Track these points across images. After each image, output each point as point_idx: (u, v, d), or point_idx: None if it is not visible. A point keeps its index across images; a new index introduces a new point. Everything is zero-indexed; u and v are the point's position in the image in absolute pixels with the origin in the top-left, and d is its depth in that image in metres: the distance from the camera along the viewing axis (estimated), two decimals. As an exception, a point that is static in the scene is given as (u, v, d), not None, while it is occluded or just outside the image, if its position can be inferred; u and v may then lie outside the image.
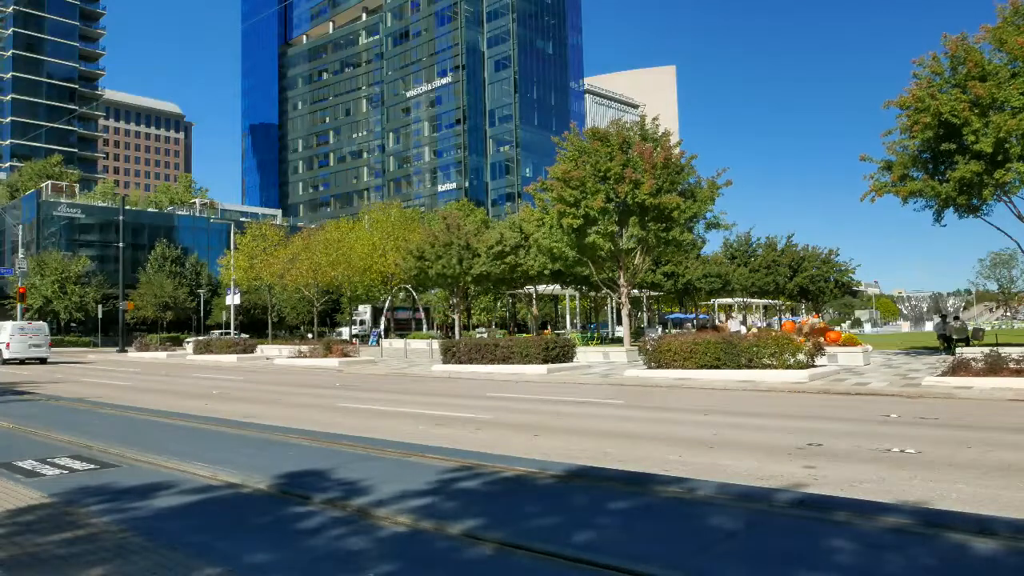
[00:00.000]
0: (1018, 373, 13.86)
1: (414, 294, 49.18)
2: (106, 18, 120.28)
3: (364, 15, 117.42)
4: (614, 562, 3.90)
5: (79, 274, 60.01)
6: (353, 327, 61.74)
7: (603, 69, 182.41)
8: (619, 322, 34.56)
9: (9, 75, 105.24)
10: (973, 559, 4.06)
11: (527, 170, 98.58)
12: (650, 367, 18.14)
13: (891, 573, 3.90)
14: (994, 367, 14.27)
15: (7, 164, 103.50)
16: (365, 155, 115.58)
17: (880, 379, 16.05)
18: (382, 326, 45.79)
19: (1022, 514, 4.83)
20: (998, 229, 21.64)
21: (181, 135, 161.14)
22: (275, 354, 33.76)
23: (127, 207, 58.75)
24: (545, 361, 21.19)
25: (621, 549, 4.21)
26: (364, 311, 65.69)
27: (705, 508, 5.18)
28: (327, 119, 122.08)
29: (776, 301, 64.57)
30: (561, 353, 21.99)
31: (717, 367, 17.08)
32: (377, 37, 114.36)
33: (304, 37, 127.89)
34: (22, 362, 32.43)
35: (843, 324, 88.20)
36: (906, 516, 4.75)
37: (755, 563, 4.04)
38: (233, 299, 45.91)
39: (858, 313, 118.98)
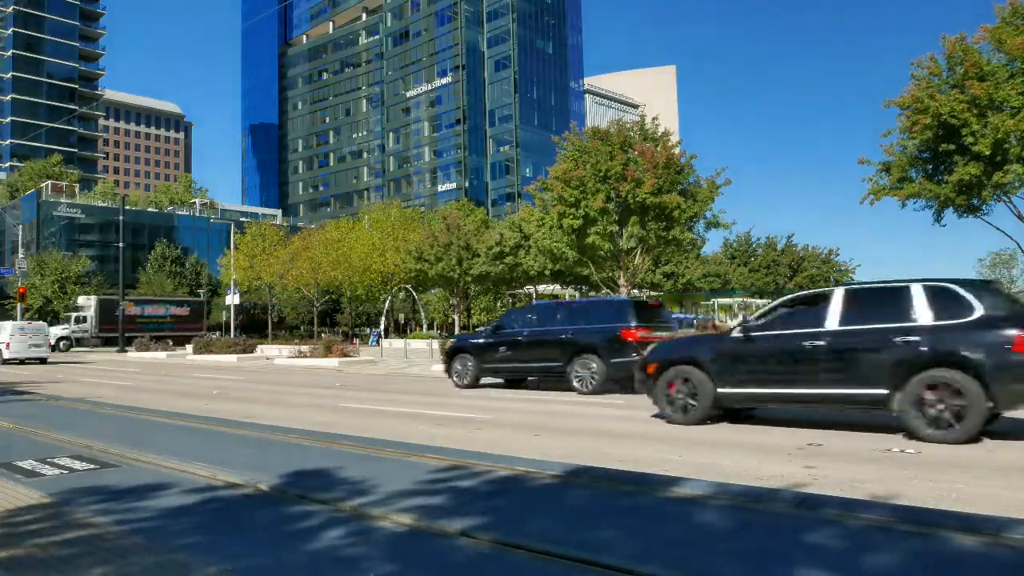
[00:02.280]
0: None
1: (414, 294, 49.21)
2: (106, 18, 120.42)
3: (364, 15, 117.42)
4: (614, 562, 3.89)
5: (79, 274, 60.02)
6: (65, 326, 47.70)
7: (603, 69, 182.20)
8: (619, 322, 34.53)
9: (9, 75, 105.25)
10: (974, 558, 4.06)
11: (527, 170, 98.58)
12: (650, 367, 18.12)
13: (890, 572, 3.91)
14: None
15: (7, 164, 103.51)
16: (365, 155, 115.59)
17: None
18: (382, 326, 45.73)
19: (1022, 514, 4.83)
20: (998, 229, 21.69)
21: (181, 135, 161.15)
22: (275, 354, 33.75)
23: (127, 207, 58.69)
24: (545, 361, 21.16)
25: (621, 549, 4.21)
26: (88, 303, 50.10)
27: (705, 508, 5.18)
28: (327, 119, 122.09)
29: (776, 301, 64.59)
30: (561, 353, 21.96)
31: (717, 367, 17.03)
32: (377, 37, 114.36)
33: (304, 37, 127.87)
34: (22, 362, 32.42)
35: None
36: (906, 516, 4.76)
37: (756, 563, 4.05)
38: (233, 299, 45.92)
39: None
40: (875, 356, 8.25)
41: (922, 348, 7.97)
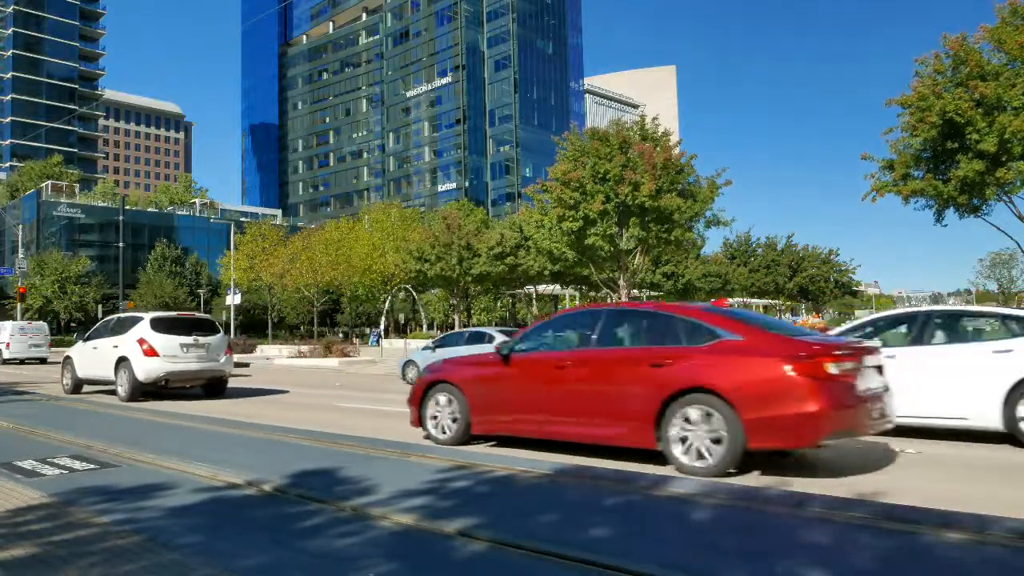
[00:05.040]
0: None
1: (414, 294, 49.20)
2: (106, 18, 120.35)
3: (364, 15, 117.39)
4: (613, 561, 3.89)
5: (79, 274, 60.04)
6: None
7: (603, 69, 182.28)
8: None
9: (9, 75, 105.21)
10: (969, 556, 4.07)
11: (527, 170, 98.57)
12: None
13: (889, 569, 3.91)
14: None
15: (7, 164, 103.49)
16: (365, 155, 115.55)
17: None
18: (382, 326, 45.70)
19: (1022, 513, 4.83)
20: (998, 229, 21.66)
21: (181, 135, 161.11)
22: (275, 354, 33.77)
23: (127, 207, 58.58)
24: (545, 361, 21.14)
25: (620, 548, 4.21)
26: None
27: (704, 507, 5.18)
28: (327, 119, 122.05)
29: (776, 301, 64.62)
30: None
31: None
32: (377, 37, 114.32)
33: (304, 37, 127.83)
34: (22, 362, 32.41)
35: (843, 324, 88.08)
36: (906, 515, 4.75)
37: (756, 562, 4.04)
38: (233, 299, 45.90)
39: (858, 313, 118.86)
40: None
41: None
